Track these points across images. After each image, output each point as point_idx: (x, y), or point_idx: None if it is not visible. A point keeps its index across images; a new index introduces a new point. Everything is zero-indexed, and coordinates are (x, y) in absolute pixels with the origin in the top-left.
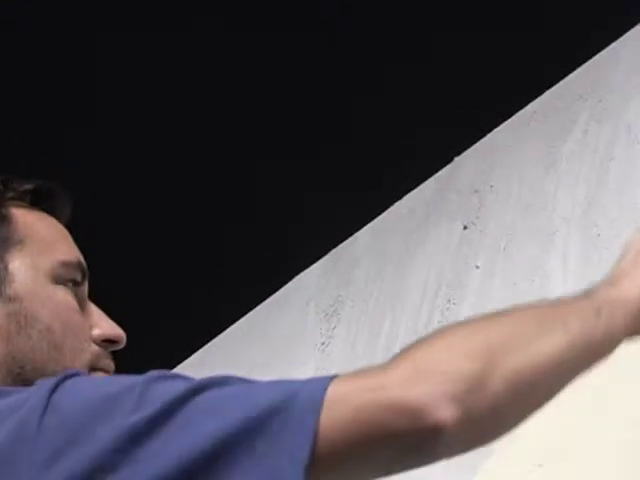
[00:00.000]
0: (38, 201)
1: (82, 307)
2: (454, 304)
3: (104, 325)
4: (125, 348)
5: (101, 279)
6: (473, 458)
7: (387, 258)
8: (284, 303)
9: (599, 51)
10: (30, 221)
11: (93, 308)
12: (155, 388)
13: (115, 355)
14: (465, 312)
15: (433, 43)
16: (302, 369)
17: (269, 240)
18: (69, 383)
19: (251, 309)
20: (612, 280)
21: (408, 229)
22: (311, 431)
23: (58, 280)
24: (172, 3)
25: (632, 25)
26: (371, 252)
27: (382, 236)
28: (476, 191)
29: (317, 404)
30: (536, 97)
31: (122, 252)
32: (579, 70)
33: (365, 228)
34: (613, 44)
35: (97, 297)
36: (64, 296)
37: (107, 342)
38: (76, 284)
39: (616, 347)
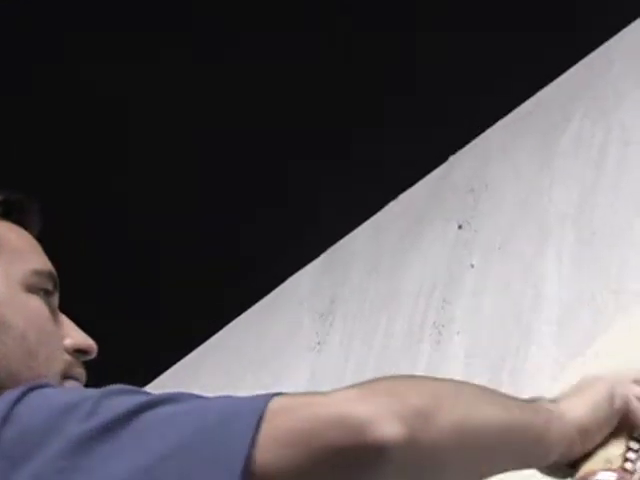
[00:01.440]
0: (8, 212)
1: (54, 317)
2: (449, 303)
3: (75, 335)
4: (121, 348)
5: (104, 279)
6: None
7: (382, 257)
8: (278, 304)
9: (593, 50)
10: (1, 231)
11: (64, 319)
12: (110, 400)
13: (113, 354)
14: (460, 311)
15: (429, 41)
16: (297, 369)
17: (263, 240)
18: (32, 395)
19: (245, 310)
20: (553, 400)
21: (403, 228)
22: (248, 441)
23: (31, 289)
24: (170, 1)
25: (626, 24)
26: (366, 252)
27: (377, 235)
28: (471, 190)
29: (257, 416)
30: (530, 96)
31: (120, 247)
32: (573, 69)
33: (360, 227)
34: (607, 43)
35: (97, 298)
36: (37, 304)
37: (79, 352)
38: (47, 294)
39: (547, 458)
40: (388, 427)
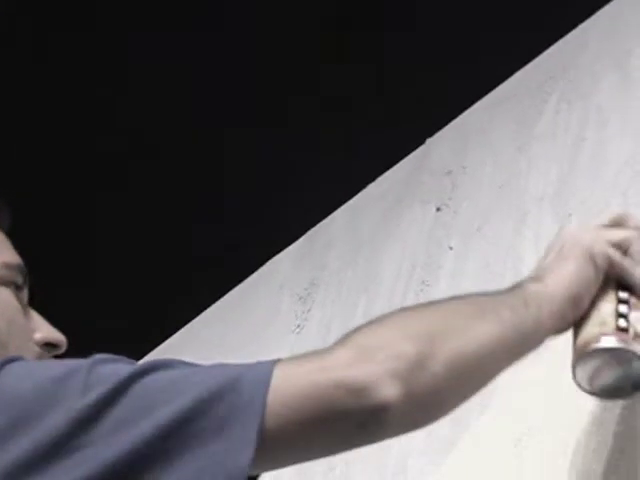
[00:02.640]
0: None
1: (24, 311)
2: (428, 285)
3: (45, 329)
4: (105, 331)
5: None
6: (449, 433)
7: (361, 241)
8: (258, 287)
9: (569, 31)
10: None
11: (34, 313)
12: (102, 369)
13: (89, 339)
14: (439, 293)
15: (405, 22)
16: (277, 352)
17: (243, 224)
18: (13, 366)
19: (225, 293)
20: (536, 276)
21: (381, 211)
22: (260, 410)
23: (1, 281)
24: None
25: (602, 4)
26: (344, 235)
27: (355, 219)
28: (449, 172)
29: (265, 384)
30: (507, 78)
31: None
32: (549, 50)
33: (338, 211)
34: (583, 24)
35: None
36: (8, 297)
37: (48, 345)
38: (18, 288)
39: (544, 339)
40: (387, 389)
